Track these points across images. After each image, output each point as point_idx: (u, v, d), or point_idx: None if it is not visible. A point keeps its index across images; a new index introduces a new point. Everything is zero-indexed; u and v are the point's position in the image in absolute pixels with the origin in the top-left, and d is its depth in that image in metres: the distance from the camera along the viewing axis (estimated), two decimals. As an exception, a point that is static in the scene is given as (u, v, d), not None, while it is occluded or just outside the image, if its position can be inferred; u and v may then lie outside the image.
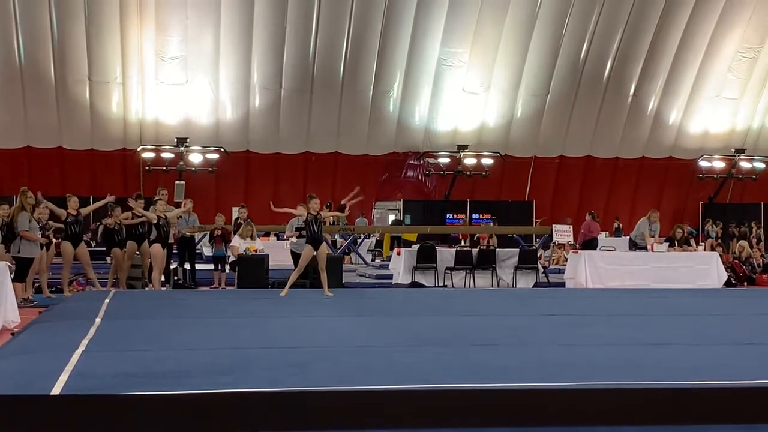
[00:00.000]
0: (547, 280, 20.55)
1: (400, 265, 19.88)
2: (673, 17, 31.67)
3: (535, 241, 26.46)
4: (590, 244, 21.07)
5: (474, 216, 33.57)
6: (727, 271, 20.20)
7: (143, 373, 7.18)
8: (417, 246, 20.56)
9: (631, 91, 33.24)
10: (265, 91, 31.09)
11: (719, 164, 34.98)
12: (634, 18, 31.59)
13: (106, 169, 30.95)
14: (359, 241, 25.20)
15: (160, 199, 17.43)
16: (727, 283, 19.94)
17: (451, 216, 33.36)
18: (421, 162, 33.56)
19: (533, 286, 19.78)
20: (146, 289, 17.14)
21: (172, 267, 18.46)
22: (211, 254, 20.23)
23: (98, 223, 17.02)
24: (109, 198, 17.44)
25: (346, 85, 31.29)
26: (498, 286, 19.78)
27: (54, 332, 10.36)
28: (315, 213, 15.40)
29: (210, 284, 18.92)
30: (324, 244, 15.88)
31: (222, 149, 31.28)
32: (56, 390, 6.36)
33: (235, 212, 21.77)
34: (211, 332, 10.50)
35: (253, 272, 17.96)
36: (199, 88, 30.64)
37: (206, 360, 7.93)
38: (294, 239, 17.61)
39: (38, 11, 28.50)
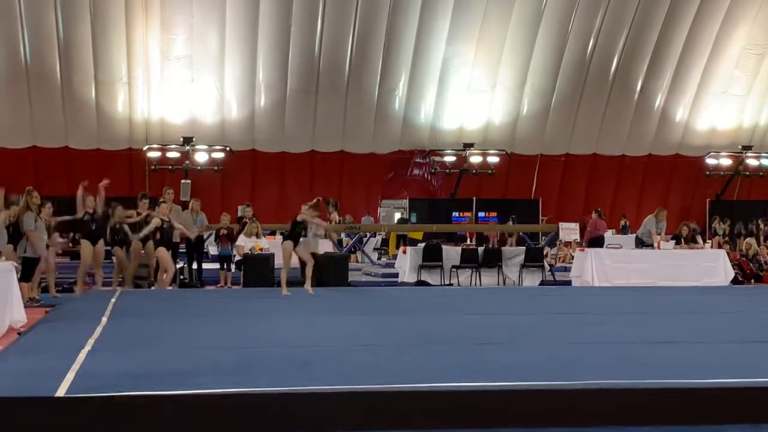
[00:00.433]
0: (554, 278, 20.51)
1: (406, 263, 19.87)
2: (679, 14, 31.59)
3: (541, 239, 26.41)
4: (597, 242, 21.03)
5: (480, 214, 33.53)
6: (734, 269, 20.15)
7: (149, 373, 7.18)
8: (423, 244, 20.56)
9: (638, 89, 33.16)
10: (271, 89, 31.08)
11: (726, 161, 34.89)
12: (640, 15, 31.51)
13: (112, 169, 30.86)
14: (365, 239, 25.19)
15: (163, 202, 17.39)
16: (734, 281, 19.89)
17: (457, 214, 33.32)
18: (427, 160, 33.53)
19: (539, 285, 19.76)
20: (152, 288, 17.14)
21: (178, 266, 18.47)
22: (216, 253, 20.25)
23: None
24: (105, 182, 17.03)
25: (351, 84, 31.28)
26: (504, 284, 19.76)
27: (60, 332, 10.37)
28: (303, 217, 15.47)
29: (216, 283, 18.93)
30: (304, 243, 15.74)
31: (227, 148, 31.29)
32: (63, 389, 6.35)
33: (240, 211, 21.74)
34: (217, 331, 10.50)
35: (258, 271, 17.96)
36: (205, 87, 30.66)
37: (212, 359, 7.93)
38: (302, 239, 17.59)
39: (44, 11, 28.55)
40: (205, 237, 20.05)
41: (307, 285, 15.68)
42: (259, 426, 5.71)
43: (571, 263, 20.86)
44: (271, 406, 5.87)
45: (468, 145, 32.77)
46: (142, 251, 16.99)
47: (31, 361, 8.08)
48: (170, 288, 17.41)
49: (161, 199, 17.66)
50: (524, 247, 20.97)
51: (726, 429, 5.95)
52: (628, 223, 32.00)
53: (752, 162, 34.91)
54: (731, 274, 19.74)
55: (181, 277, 18.62)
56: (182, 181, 30.02)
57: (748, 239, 24.21)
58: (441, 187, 34.16)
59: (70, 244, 26.26)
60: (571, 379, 6.78)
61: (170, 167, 30.93)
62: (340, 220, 27.75)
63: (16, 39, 28.84)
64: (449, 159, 33.29)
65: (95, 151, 30.98)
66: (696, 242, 20.70)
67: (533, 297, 16.37)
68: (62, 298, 15.28)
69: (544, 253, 21.28)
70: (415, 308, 13.81)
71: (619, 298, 15.84)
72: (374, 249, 27.43)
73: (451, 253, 19.93)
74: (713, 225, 32.62)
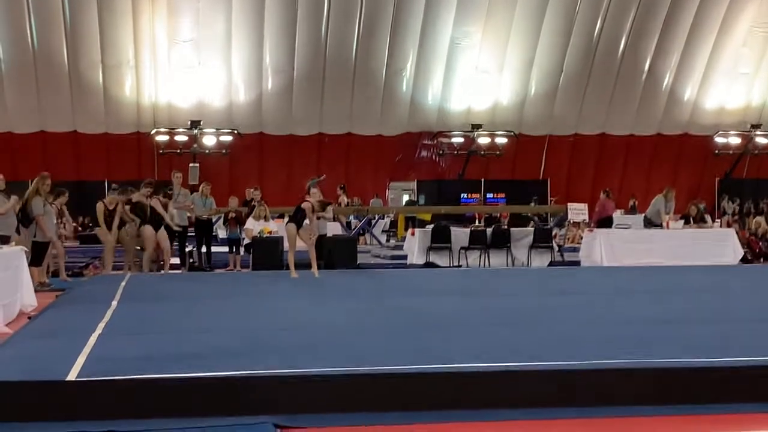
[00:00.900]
0: (562, 258, 20.50)
1: (415, 245, 19.88)
2: (687, -8, 31.41)
3: (550, 219, 26.40)
4: (605, 222, 20.99)
5: (488, 195, 33.51)
6: (743, 248, 20.10)
7: (159, 356, 7.21)
8: (431, 226, 20.55)
9: (646, 68, 33.01)
10: (278, 72, 31.04)
11: (735, 140, 34.78)
12: (648, -6, 31.34)
13: (120, 153, 31.05)
14: (374, 221, 25.20)
15: (163, 193, 17.64)
16: (744, 260, 19.85)
17: (465, 196, 33.31)
18: (435, 142, 33.48)
19: (548, 265, 19.75)
20: (162, 272, 17.17)
21: (187, 249, 18.53)
22: (225, 237, 20.30)
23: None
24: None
25: (358, 66, 31.20)
26: (513, 265, 19.76)
27: (70, 316, 10.41)
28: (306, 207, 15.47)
29: (225, 266, 18.98)
30: (305, 227, 15.70)
31: (235, 131, 31.30)
32: (73, 373, 6.39)
33: (248, 194, 21.78)
34: (226, 314, 10.53)
35: (267, 254, 17.99)
36: (212, 70, 30.64)
37: (222, 342, 7.95)
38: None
39: (50, -4, 28.55)
40: (214, 220, 20.10)
41: (313, 268, 15.70)
42: (269, 406, 5.74)
43: (580, 244, 20.85)
44: (280, 389, 5.89)
45: (476, 127, 32.71)
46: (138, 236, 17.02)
47: (41, 345, 8.12)
48: (180, 272, 17.44)
49: (169, 188, 17.88)
50: (532, 228, 20.94)
51: (736, 408, 5.95)
52: (636, 202, 31.94)
53: (761, 140, 34.79)
54: (740, 253, 19.70)
55: (191, 260, 18.67)
56: (191, 164, 30.09)
57: (757, 218, 24.16)
58: (449, 168, 34.12)
59: (80, 228, 26.35)
60: (581, 359, 6.79)
61: (178, 151, 30.97)
62: (348, 203, 27.76)
63: (23, 24, 28.85)
64: (457, 140, 33.26)
65: (103, 135, 31.04)
66: (705, 221, 20.65)
67: (542, 278, 16.37)
68: (72, 282, 15.35)
69: (553, 234, 21.24)
70: (423, 290, 13.82)
71: (628, 278, 15.81)
72: (383, 231, 27.46)
73: (460, 235, 19.92)
74: (722, 204, 32.57)
